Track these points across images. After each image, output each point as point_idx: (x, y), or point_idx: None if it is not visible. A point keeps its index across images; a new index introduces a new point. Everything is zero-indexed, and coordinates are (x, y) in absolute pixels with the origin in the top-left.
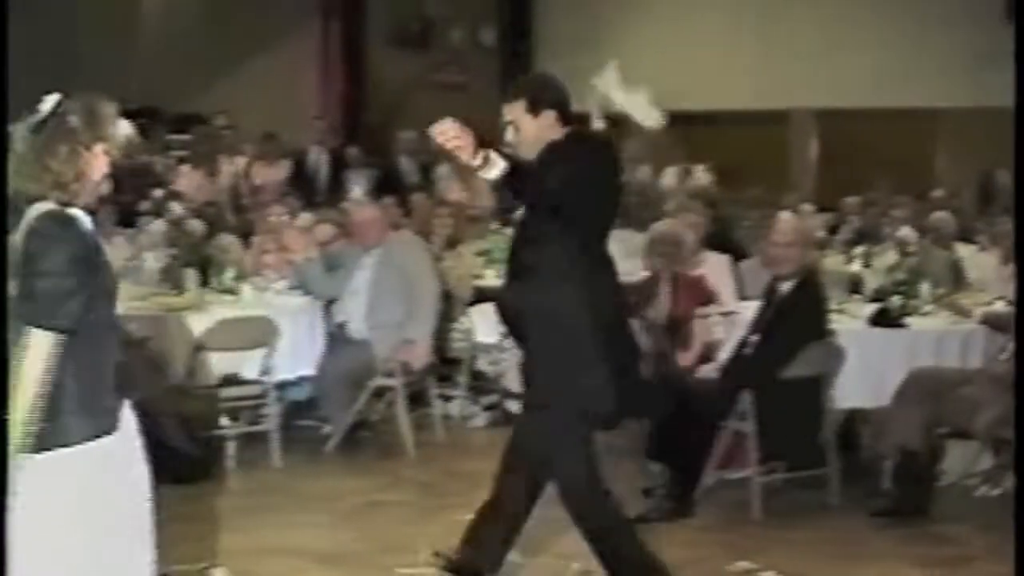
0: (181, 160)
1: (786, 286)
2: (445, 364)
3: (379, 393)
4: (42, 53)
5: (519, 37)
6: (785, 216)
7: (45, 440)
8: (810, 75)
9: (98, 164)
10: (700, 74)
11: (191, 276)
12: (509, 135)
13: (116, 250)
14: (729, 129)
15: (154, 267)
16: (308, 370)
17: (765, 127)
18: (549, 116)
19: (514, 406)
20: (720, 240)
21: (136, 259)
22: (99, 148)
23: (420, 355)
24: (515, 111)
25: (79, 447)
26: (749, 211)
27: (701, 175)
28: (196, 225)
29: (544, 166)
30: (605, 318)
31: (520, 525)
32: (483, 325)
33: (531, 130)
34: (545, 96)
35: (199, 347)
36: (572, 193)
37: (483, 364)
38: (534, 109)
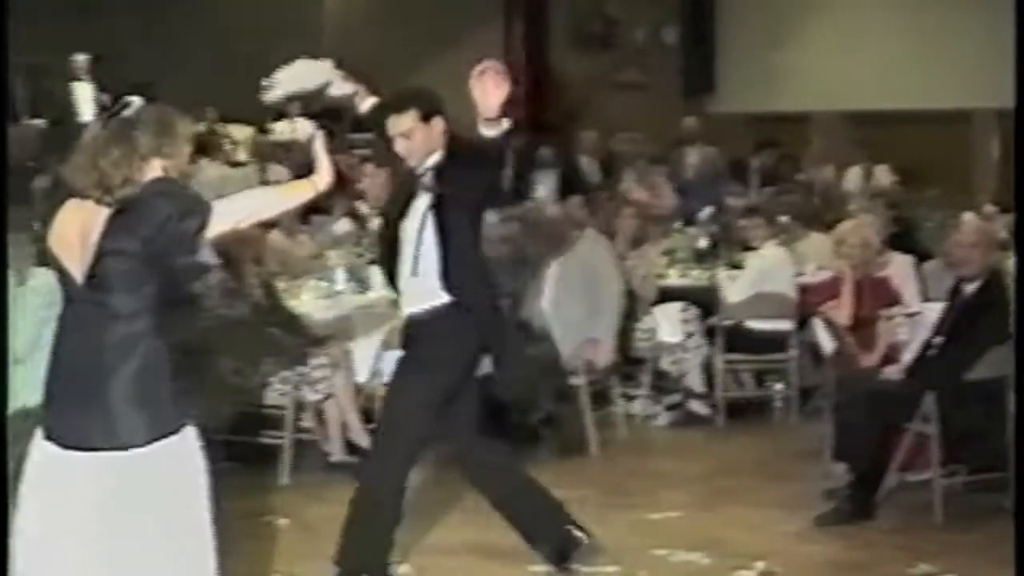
0: (364, 159)
1: (970, 288)
2: (628, 363)
3: (563, 391)
4: (228, 53)
5: (701, 36)
6: (969, 217)
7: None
8: (992, 75)
9: (152, 175)
10: (882, 73)
11: (377, 275)
12: (399, 146)
13: (300, 247)
14: (911, 129)
15: (339, 265)
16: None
17: (947, 127)
18: (439, 123)
19: (697, 406)
20: (903, 241)
21: (320, 257)
22: (157, 162)
23: (604, 354)
24: (407, 121)
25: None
26: (932, 212)
27: (883, 175)
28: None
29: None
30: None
31: None
32: (666, 324)
33: (422, 139)
34: (434, 104)
35: (387, 345)
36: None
37: (666, 364)
38: (426, 118)
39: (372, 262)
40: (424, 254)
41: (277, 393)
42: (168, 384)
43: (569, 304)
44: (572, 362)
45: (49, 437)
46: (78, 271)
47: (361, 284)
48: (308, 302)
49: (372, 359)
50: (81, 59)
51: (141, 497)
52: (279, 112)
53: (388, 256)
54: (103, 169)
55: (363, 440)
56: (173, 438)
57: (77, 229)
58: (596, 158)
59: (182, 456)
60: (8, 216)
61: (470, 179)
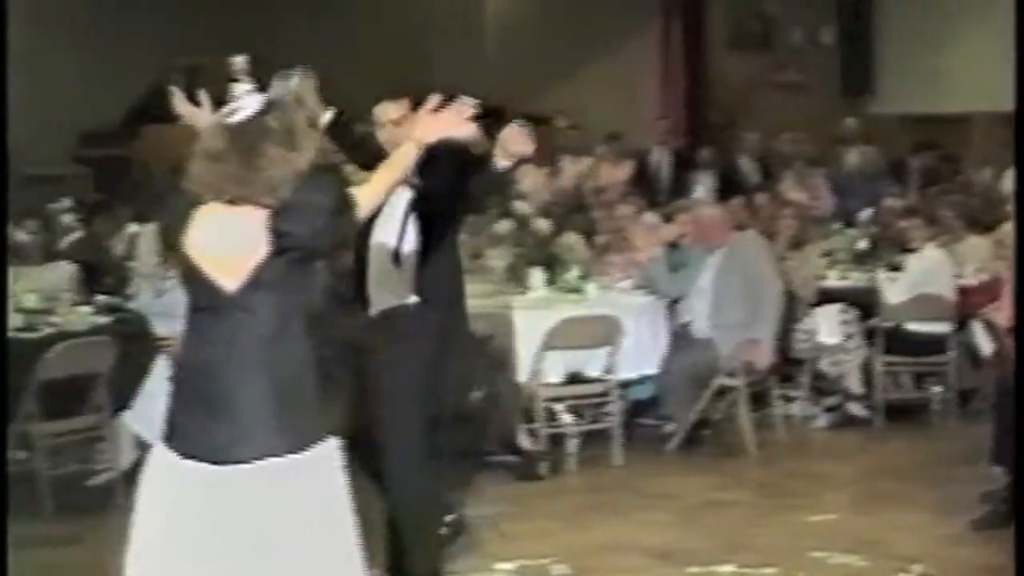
0: (523, 160)
1: None
2: (787, 364)
3: (721, 392)
4: (394, 53)
5: (858, 36)
6: None
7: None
8: None
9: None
10: None
11: (536, 274)
12: (385, 135)
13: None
14: None
15: (499, 265)
16: (651, 369)
17: None
18: None
19: (855, 408)
20: None
21: (479, 257)
22: (302, 156)
23: (763, 355)
24: (399, 109)
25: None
26: None
27: None
28: (541, 224)
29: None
30: None
31: None
32: (826, 326)
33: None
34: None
35: (546, 345)
36: None
37: (825, 365)
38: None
39: (532, 262)
40: (403, 250)
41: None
42: (314, 392)
43: (729, 305)
44: (730, 363)
45: (177, 449)
46: (230, 278)
47: (520, 283)
48: (468, 301)
49: (531, 359)
50: (239, 60)
51: (280, 512)
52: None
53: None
54: (262, 170)
55: (523, 440)
56: (316, 448)
57: (229, 234)
58: (755, 159)
59: (324, 468)
60: (7, 216)
61: (452, 176)
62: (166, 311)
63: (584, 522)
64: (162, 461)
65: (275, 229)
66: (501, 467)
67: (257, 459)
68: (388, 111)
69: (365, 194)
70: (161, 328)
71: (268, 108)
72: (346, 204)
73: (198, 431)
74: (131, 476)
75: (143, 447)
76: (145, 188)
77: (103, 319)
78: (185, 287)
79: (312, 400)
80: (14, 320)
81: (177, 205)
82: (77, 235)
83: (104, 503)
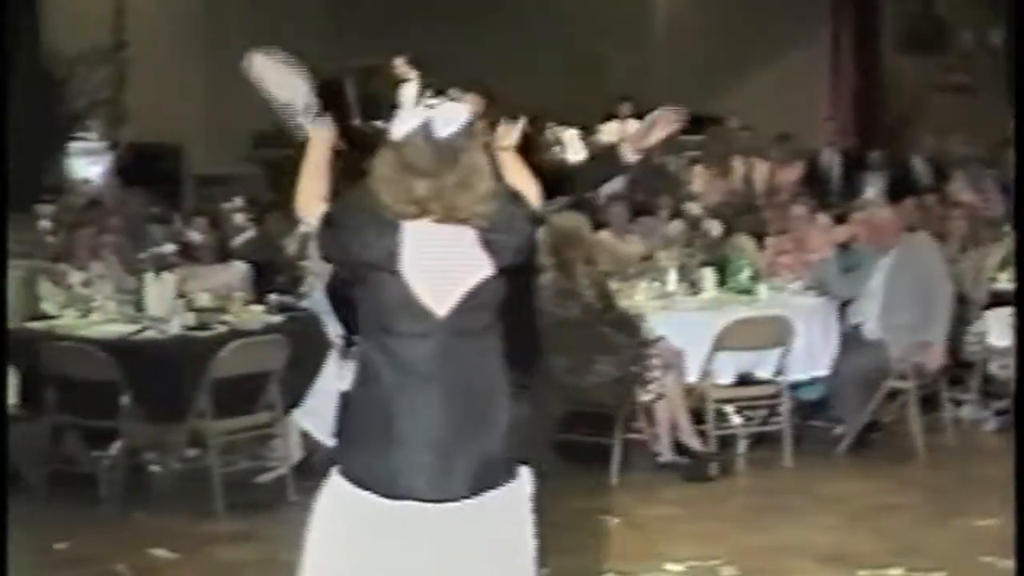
0: (694, 161)
1: None
2: (958, 367)
3: (892, 395)
4: (562, 53)
5: None
6: None
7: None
8: None
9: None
10: None
11: (708, 276)
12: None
13: (630, 247)
14: None
15: (670, 266)
16: (822, 370)
17: None
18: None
19: None
20: None
21: (650, 258)
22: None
23: (935, 357)
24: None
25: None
26: None
27: None
28: (713, 225)
29: None
30: None
31: None
32: (997, 328)
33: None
34: None
35: (717, 346)
36: None
37: (995, 368)
38: None
39: (704, 263)
40: None
41: (609, 393)
42: (510, 422)
43: (900, 307)
44: (901, 365)
45: (356, 481)
46: (440, 302)
47: (693, 285)
48: (640, 303)
49: (703, 359)
50: (403, 61)
51: (466, 550)
52: (608, 112)
53: None
54: (473, 186)
55: (693, 441)
56: (510, 484)
57: (443, 254)
58: (925, 160)
59: (516, 504)
60: (7, 216)
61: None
62: None
63: (753, 524)
64: (339, 492)
65: (491, 246)
66: (671, 468)
67: (449, 498)
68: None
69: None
70: (333, 327)
71: (472, 121)
72: (538, 217)
73: (383, 464)
74: (300, 473)
75: (312, 445)
76: None
77: (276, 318)
78: (383, 312)
79: (508, 431)
80: (187, 319)
81: (373, 225)
82: (249, 234)
83: (274, 500)
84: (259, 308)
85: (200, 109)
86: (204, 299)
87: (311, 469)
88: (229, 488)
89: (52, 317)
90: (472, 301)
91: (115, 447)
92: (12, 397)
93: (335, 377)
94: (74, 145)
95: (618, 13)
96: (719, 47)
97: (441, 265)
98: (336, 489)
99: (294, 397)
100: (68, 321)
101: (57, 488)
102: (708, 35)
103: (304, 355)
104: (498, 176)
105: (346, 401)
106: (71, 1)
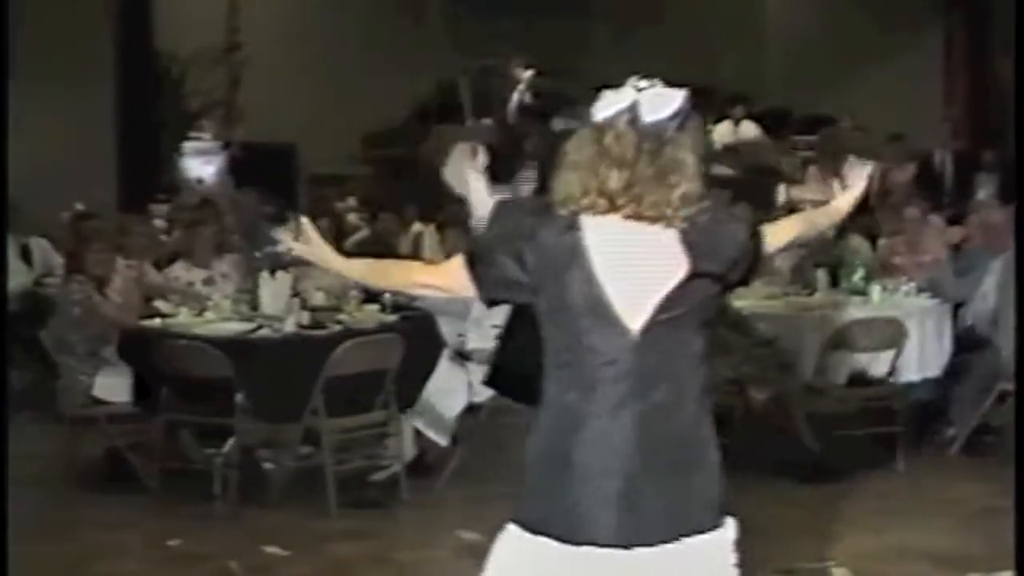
0: (807, 161)
1: None
2: None
3: (1003, 397)
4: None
5: None
6: None
7: None
8: None
9: None
10: None
11: (821, 277)
12: None
13: None
14: None
15: (785, 267)
16: (934, 372)
17: None
18: None
19: None
20: None
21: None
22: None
23: None
24: None
25: None
26: None
27: None
28: None
29: None
30: None
31: None
32: None
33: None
34: None
35: (830, 346)
36: None
37: None
38: None
39: (817, 264)
40: None
41: (722, 394)
42: (716, 459)
43: (1012, 309)
44: (1012, 368)
45: (538, 527)
46: (633, 308)
47: (806, 285)
48: (754, 303)
49: (816, 360)
50: (519, 62)
51: None
52: (721, 114)
53: None
54: (675, 184)
55: (807, 442)
56: (717, 532)
57: (634, 256)
58: None
59: (720, 554)
60: (7, 216)
61: None
62: (449, 311)
63: (866, 526)
64: (515, 541)
65: (693, 248)
66: (784, 469)
67: (640, 544)
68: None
69: (777, 236)
70: (446, 328)
71: (678, 113)
72: (758, 238)
73: (564, 505)
74: (413, 471)
75: (424, 444)
76: (431, 188)
77: (390, 317)
78: (567, 325)
79: (712, 469)
80: (302, 318)
81: (550, 223)
82: (363, 234)
83: (387, 498)
84: (373, 307)
85: (313, 109)
86: (319, 298)
87: (424, 468)
88: (342, 486)
89: (167, 315)
90: (671, 310)
91: (229, 445)
92: (125, 395)
93: (448, 377)
94: (188, 145)
95: (731, 14)
96: (832, 48)
97: (633, 265)
98: (511, 537)
99: (408, 396)
100: (182, 319)
101: (171, 485)
102: (820, 36)
103: (418, 354)
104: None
105: (531, 445)
106: (184, 3)
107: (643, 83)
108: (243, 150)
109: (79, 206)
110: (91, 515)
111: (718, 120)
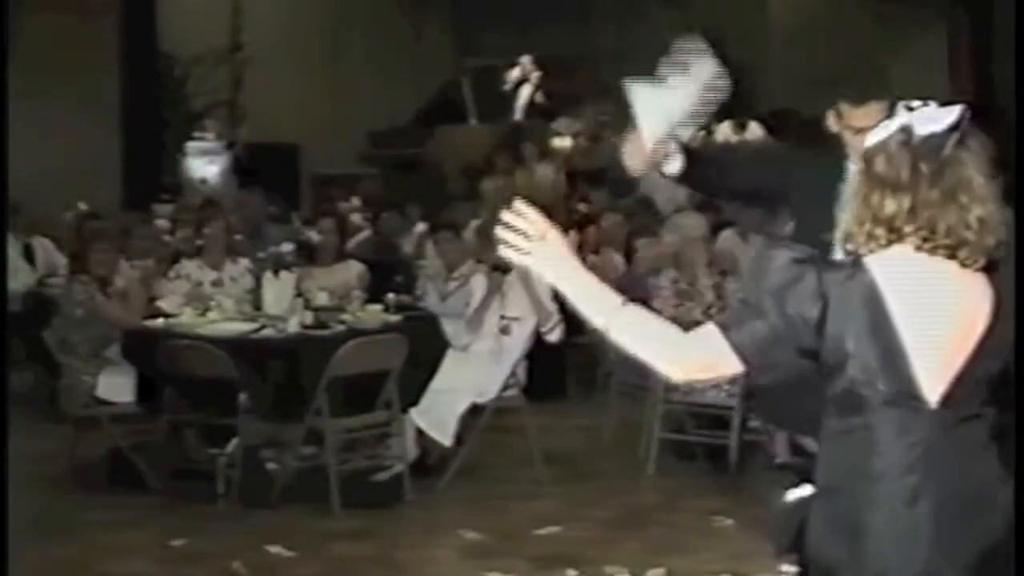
0: None
1: None
2: None
3: None
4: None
5: None
6: None
7: None
8: None
9: None
10: None
11: None
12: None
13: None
14: None
15: None
16: None
17: None
18: None
19: None
20: None
21: None
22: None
23: None
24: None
25: None
26: None
27: None
28: None
29: None
30: None
31: None
32: None
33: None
34: None
35: None
36: None
37: None
38: None
39: None
40: None
41: (725, 394)
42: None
43: None
44: None
45: None
46: (931, 372)
47: None
48: None
49: None
50: (527, 61)
51: None
52: (723, 115)
53: None
54: (968, 208)
55: (809, 442)
56: None
57: (930, 298)
58: None
59: None
60: (7, 216)
61: None
62: (451, 312)
63: None
64: None
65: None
66: (788, 469)
67: None
68: (855, 116)
69: None
70: (448, 328)
71: (956, 126)
72: None
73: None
74: (416, 471)
75: (427, 444)
76: (435, 188)
77: (393, 317)
78: (843, 392)
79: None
80: (305, 318)
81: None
82: (366, 234)
83: (390, 498)
84: (377, 307)
85: (317, 109)
86: (322, 298)
87: (427, 468)
88: (346, 486)
89: (170, 315)
90: (976, 371)
91: (232, 445)
92: (128, 395)
93: (451, 377)
94: (191, 145)
95: (733, 13)
96: (835, 46)
97: (931, 313)
98: None
99: (411, 396)
100: (186, 320)
101: (174, 485)
102: (824, 34)
103: (421, 354)
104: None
105: (800, 510)
106: (188, 3)
107: (915, 103)
108: (247, 150)
109: (83, 206)
110: (94, 515)
111: (721, 119)
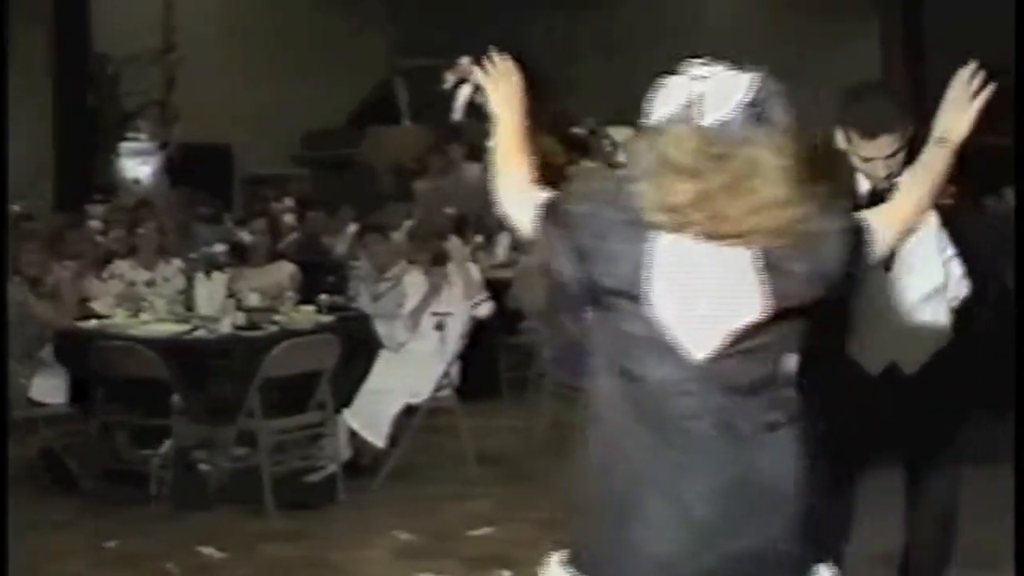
0: None
1: None
2: None
3: None
4: (607, 57)
5: None
6: None
7: None
8: None
9: None
10: None
11: None
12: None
13: None
14: None
15: None
16: None
17: None
18: None
19: None
20: None
21: None
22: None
23: None
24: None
25: None
26: None
27: None
28: None
29: None
30: None
31: None
32: None
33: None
34: None
35: None
36: None
37: None
38: None
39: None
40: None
41: None
42: (803, 510)
43: None
44: None
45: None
46: (697, 341)
47: None
48: None
49: None
50: (465, 62)
51: None
52: None
53: None
54: (751, 192)
55: None
56: None
57: (702, 281)
58: None
59: None
60: (7, 216)
61: None
62: (383, 313)
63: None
64: None
65: (774, 275)
66: None
67: None
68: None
69: (892, 224)
70: (381, 329)
71: (750, 103)
72: (863, 245)
73: (621, 554)
74: (349, 472)
75: (359, 444)
76: (368, 189)
77: (326, 318)
78: (625, 351)
79: (800, 518)
80: (238, 319)
81: (620, 230)
82: (298, 235)
83: (323, 499)
84: (309, 308)
85: (250, 109)
86: (254, 299)
87: (360, 469)
88: (279, 487)
89: (102, 316)
90: (744, 345)
91: (165, 446)
92: (61, 397)
93: (384, 378)
94: (124, 145)
95: (665, 7)
96: (766, 47)
97: (700, 294)
98: None
99: (344, 397)
100: (118, 320)
101: (107, 487)
102: (754, 34)
103: (354, 355)
104: (810, 181)
105: (580, 464)
106: (121, 3)
107: (702, 70)
108: (180, 150)
109: (15, 207)
110: (27, 517)
111: None
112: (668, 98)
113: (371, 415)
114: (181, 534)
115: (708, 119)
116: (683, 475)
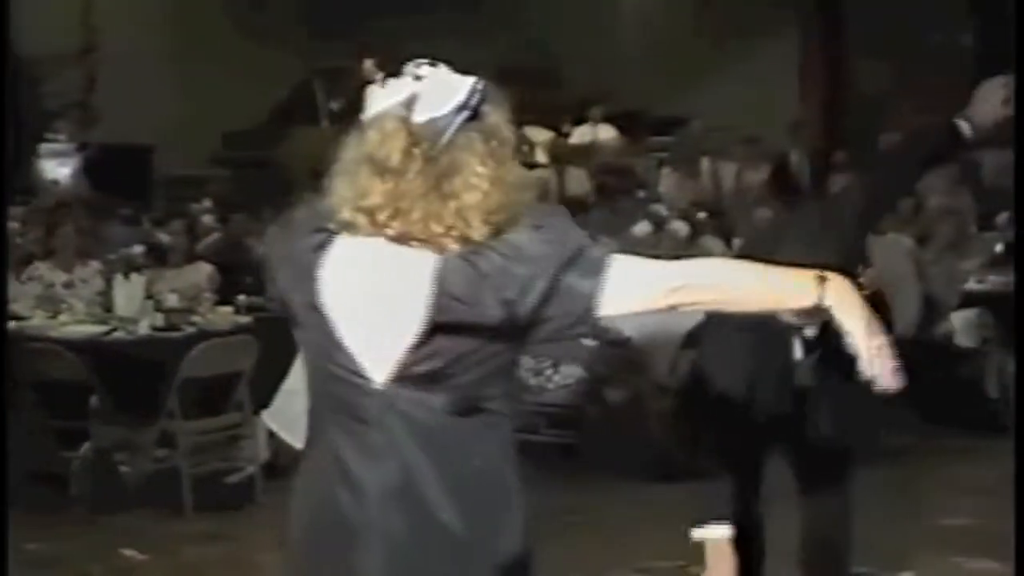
0: (661, 163)
1: None
2: None
3: None
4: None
5: (999, 38)
6: None
7: None
8: None
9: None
10: None
11: None
12: None
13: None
14: None
15: None
16: None
17: None
18: None
19: None
20: None
21: None
22: None
23: None
24: None
25: None
26: None
27: None
28: (680, 227)
29: None
30: None
31: None
32: None
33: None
34: None
35: (684, 344)
36: None
37: None
38: None
39: None
40: None
41: (576, 395)
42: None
43: None
44: None
45: None
46: (375, 360)
47: None
48: None
49: (671, 360)
50: (370, 64)
51: None
52: (579, 116)
53: None
54: (453, 195)
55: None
56: None
57: (378, 289)
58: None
59: None
60: (7, 217)
61: None
62: None
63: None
64: None
65: (446, 284)
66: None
67: None
68: None
69: (652, 280)
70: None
71: (466, 105)
72: (593, 284)
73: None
74: (268, 473)
75: (278, 445)
76: (287, 191)
77: (244, 319)
78: (313, 363)
79: (515, 530)
80: (156, 320)
81: (304, 235)
82: (217, 235)
83: (242, 500)
84: (228, 309)
85: (170, 110)
86: (172, 300)
87: (279, 469)
88: (198, 488)
89: (21, 318)
90: (425, 365)
91: (85, 448)
92: None
93: (302, 377)
94: (43, 147)
95: (583, 12)
96: (688, 47)
97: (376, 304)
98: None
99: (262, 398)
100: (37, 322)
101: (28, 488)
102: (675, 34)
103: (272, 356)
104: (517, 191)
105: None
106: (41, 3)
107: (424, 69)
108: (99, 152)
109: None
110: None
111: (576, 122)
112: (386, 94)
113: (289, 416)
114: (102, 536)
115: (420, 117)
116: (376, 489)
